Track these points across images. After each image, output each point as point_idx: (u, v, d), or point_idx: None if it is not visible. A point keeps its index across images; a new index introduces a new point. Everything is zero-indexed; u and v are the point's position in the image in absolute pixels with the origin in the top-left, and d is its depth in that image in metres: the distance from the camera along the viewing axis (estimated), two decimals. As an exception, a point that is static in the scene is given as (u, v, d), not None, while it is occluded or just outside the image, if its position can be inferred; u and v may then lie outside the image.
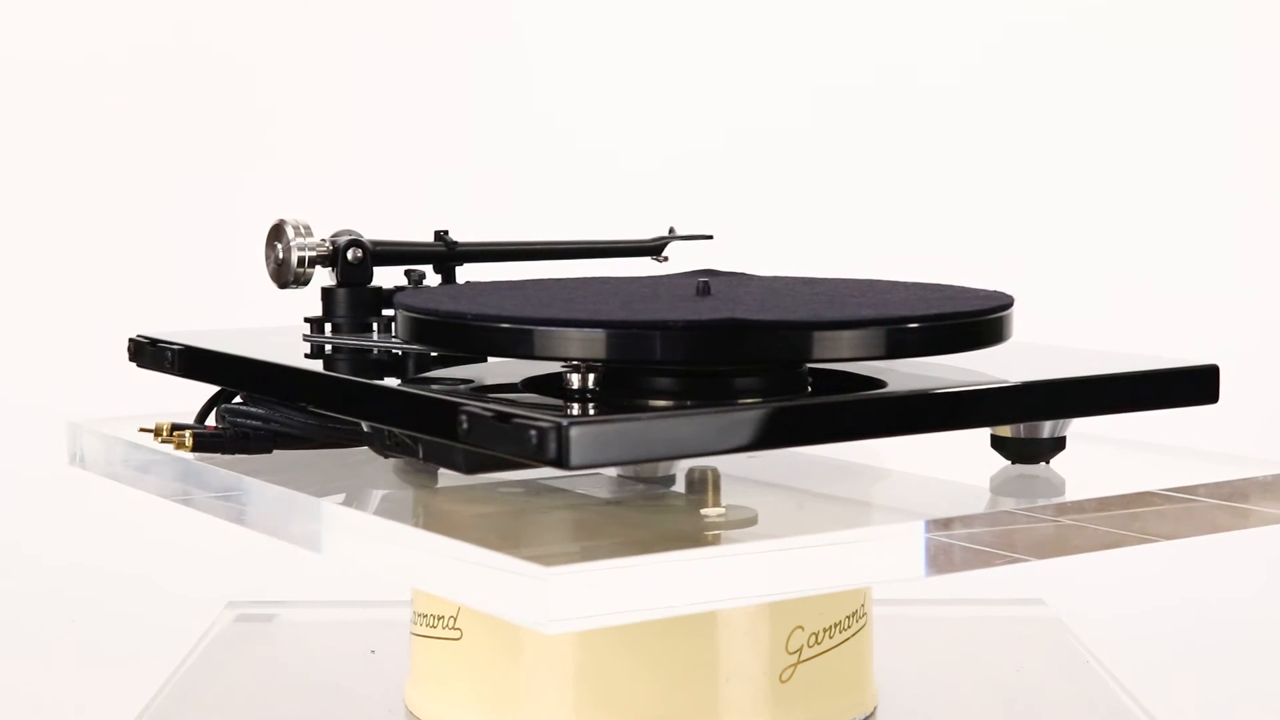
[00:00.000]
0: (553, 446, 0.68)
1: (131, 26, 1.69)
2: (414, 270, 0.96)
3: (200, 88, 1.69)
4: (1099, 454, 0.92)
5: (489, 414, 0.72)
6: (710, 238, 1.05)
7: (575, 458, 0.69)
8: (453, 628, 0.87)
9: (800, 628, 0.85)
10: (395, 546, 0.75)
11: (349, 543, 0.78)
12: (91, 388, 1.55)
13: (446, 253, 0.98)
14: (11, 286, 1.70)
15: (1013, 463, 0.87)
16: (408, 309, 0.83)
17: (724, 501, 0.80)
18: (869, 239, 1.69)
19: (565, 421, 0.68)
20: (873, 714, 0.91)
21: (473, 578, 0.70)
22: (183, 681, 1.02)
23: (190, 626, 1.16)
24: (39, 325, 1.70)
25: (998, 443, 0.87)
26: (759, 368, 0.78)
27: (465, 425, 0.73)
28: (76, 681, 1.65)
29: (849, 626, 0.88)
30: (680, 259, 1.04)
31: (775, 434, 0.73)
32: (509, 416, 0.71)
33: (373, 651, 1.07)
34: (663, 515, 0.80)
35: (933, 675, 1.03)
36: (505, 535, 0.78)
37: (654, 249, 1.04)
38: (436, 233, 0.98)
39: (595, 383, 0.76)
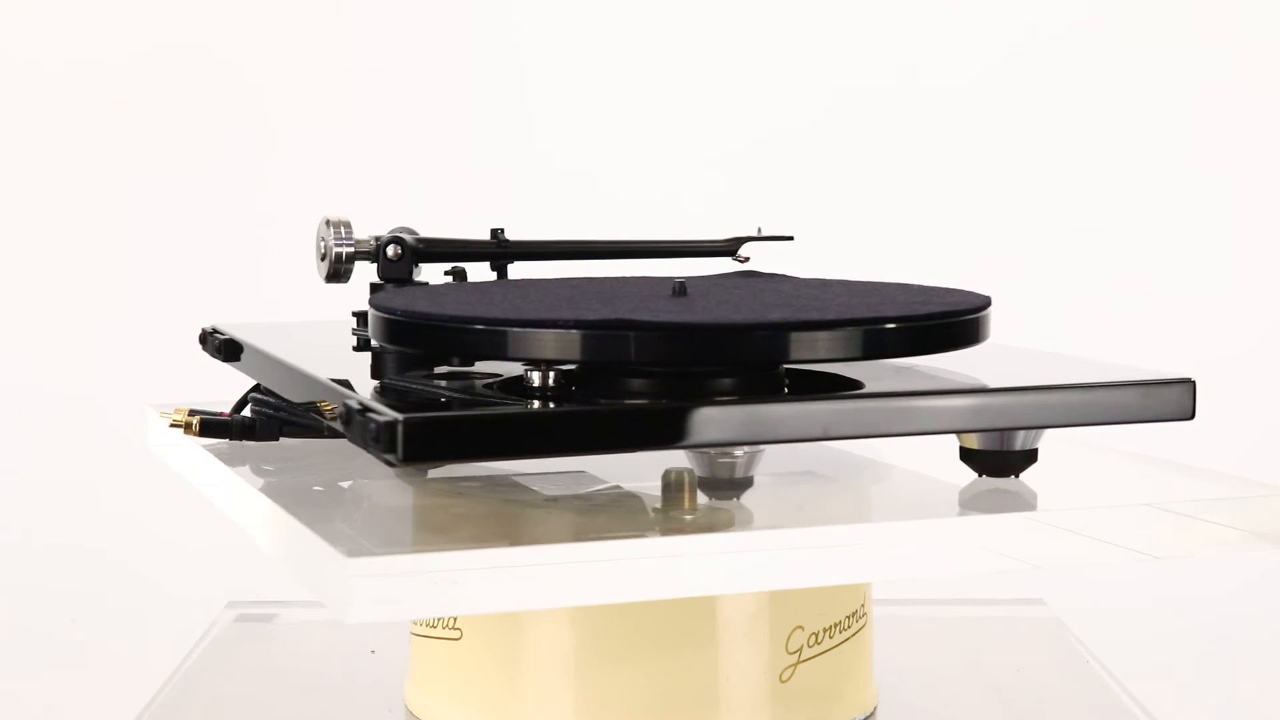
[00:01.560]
0: (385, 440, 0.69)
1: (139, 35, 1.69)
2: (456, 267, 0.97)
3: (228, 93, 1.70)
4: (1075, 466, 0.89)
5: (357, 407, 0.72)
6: (791, 239, 1.03)
7: (405, 453, 0.69)
8: (453, 628, 0.87)
9: (800, 628, 0.85)
10: (272, 531, 0.77)
11: (257, 525, 0.80)
12: (163, 379, 1.55)
13: (498, 250, 0.98)
14: (40, 281, 1.70)
15: (980, 476, 0.84)
16: (374, 306, 0.84)
17: (723, 505, 0.80)
18: (936, 241, 1.69)
19: (400, 417, 0.69)
20: (873, 714, 0.91)
21: (310, 564, 0.71)
22: (183, 681, 1.02)
23: (190, 626, 1.16)
24: (42, 316, 1.70)
25: (966, 455, 0.84)
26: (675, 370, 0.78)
27: (343, 417, 0.73)
28: (76, 681, 1.65)
29: (849, 626, 0.88)
30: (757, 260, 1.03)
31: (615, 437, 0.72)
32: (366, 410, 0.71)
33: (373, 651, 1.07)
34: (576, 515, 0.80)
35: (933, 675, 1.03)
36: (372, 527, 0.78)
37: (728, 250, 1.02)
38: (492, 230, 0.99)
39: (558, 381, 0.75)
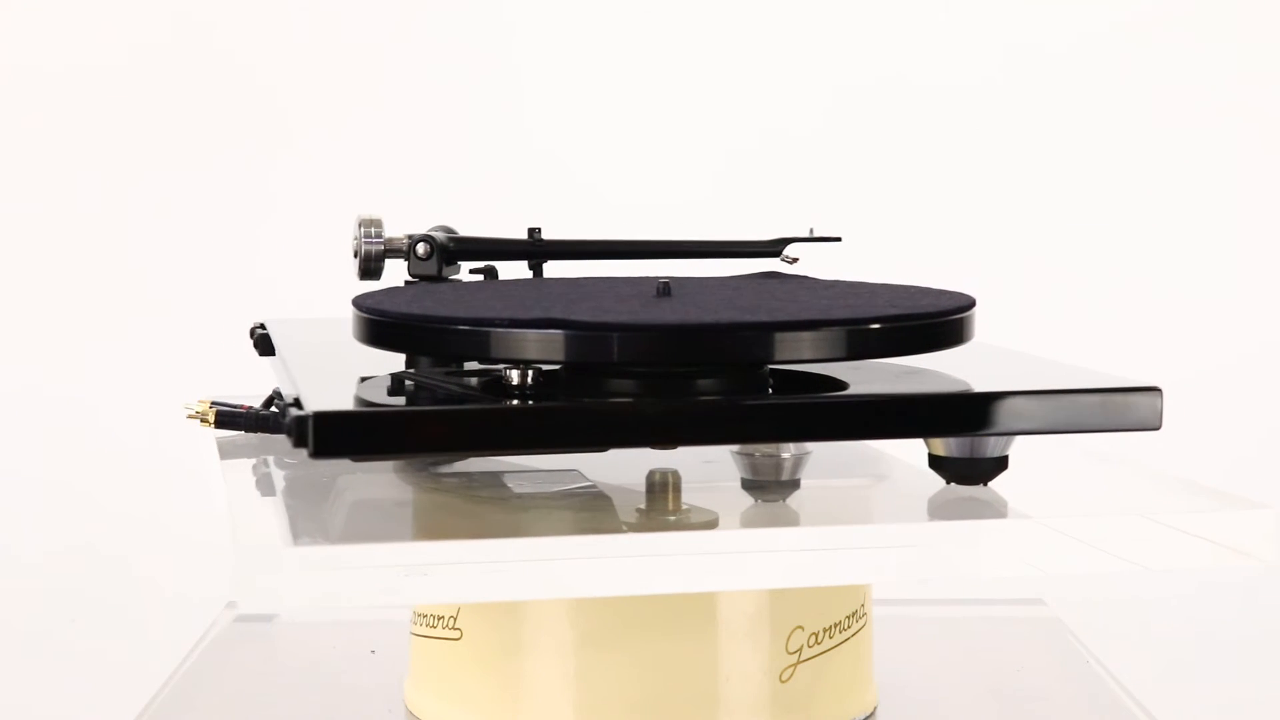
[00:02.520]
0: (297, 434, 0.70)
1: (145, 35, 1.69)
2: (488, 266, 1.00)
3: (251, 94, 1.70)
4: (1040, 475, 0.88)
5: (291, 402, 0.74)
6: (839, 239, 1.02)
7: (316, 447, 0.70)
8: (453, 628, 0.87)
9: (800, 628, 0.85)
10: (230, 514, 0.79)
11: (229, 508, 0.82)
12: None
13: (532, 249, 1.00)
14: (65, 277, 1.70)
15: (948, 483, 0.82)
16: (354, 305, 0.85)
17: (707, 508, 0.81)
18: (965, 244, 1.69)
19: (311, 412, 0.70)
20: (873, 714, 0.91)
21: (241, 555, 0.72)
22: (183, 682, 1.02)
23: (190, 626, 1.16)
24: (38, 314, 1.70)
25: (934, 462, 0.82)
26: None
27: (279, 412, 0.75)
28: (76, 681, 1.65)
29: (849, 626, 0.88)
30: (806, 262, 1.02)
31: (522, 435, 0.73)
32: (298, 404, 0.73)
33: (373, 651, 1.07)
34: (514, 512, 0.81)
35: (933, 675, 1.03)
36: (299, 519, 0.79)
37: (773, 251, 1.01)
38: (530, 230, 1.01)
39: (536, 379, 0.76)
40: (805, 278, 0.97)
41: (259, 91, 1.70)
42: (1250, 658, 1.68)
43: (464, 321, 0.77)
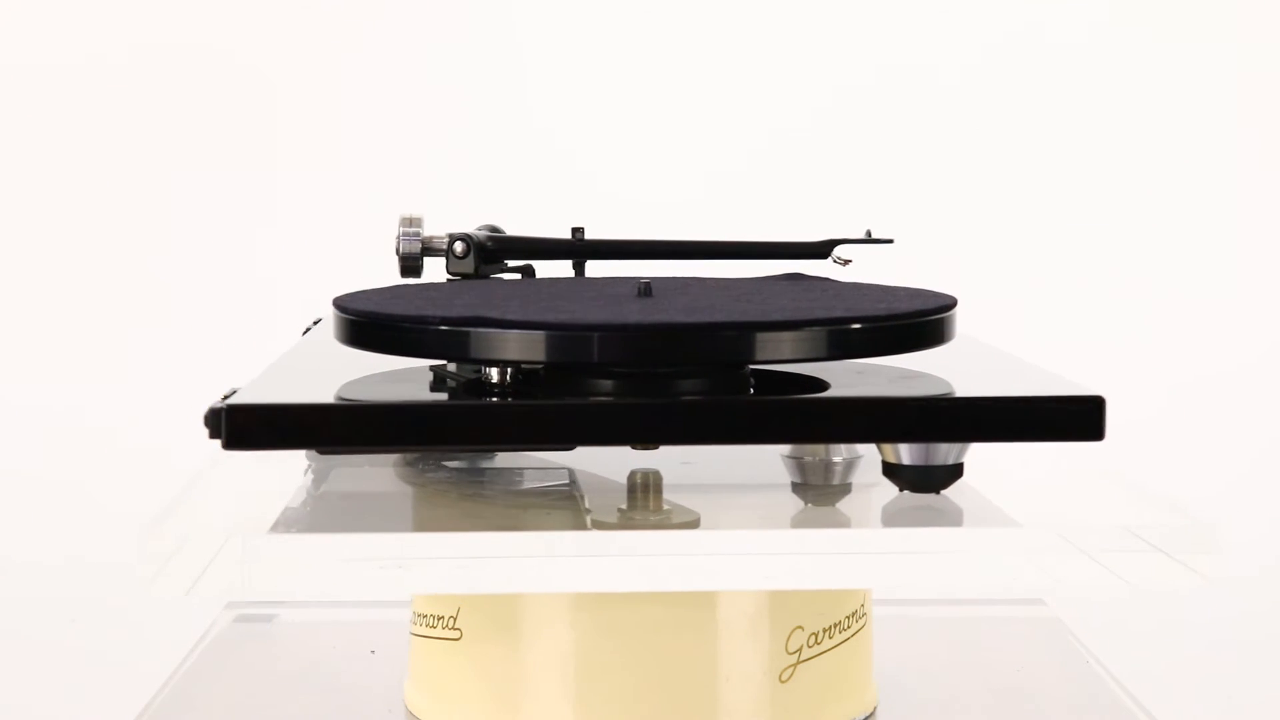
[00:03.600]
0: (213, 426, 0.72)
1: (151, 35, 1.69)
2: (526, 265, 1.02)
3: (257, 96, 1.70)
4: (997, 481, 0.86)
5: (228, 395, 0.75)
6: (891, 241, 1.00)
7: (228, 439, 0.72)
8: (452, 628, 0.87)
9: (800, 628, 0.85)
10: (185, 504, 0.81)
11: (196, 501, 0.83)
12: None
13: (573, 248, 1.02)
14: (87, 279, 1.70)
15: (901, 491, 0.81)
16: (334, 305, 0.86)
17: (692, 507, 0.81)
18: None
19: (225, 404, 0.72)
20: (873, 714, 0.91)
21: (184, 547, 0.74)
22: (182, 682, 1.02)
23: (190, 627, 1.16)
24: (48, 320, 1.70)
25: (889, 470, 0.79)
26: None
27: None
28: (76, 681, 1.65)
29: (849, 626, 0.88)
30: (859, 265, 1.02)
31: (419, 432, 0.75)
32: (228, 397, 0.74)
33: (373, 651, 1.07)
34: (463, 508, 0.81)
35: (933, 675, 1.03)
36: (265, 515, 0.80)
37: (820, 252, 1.00)
38: (573, 229, 1.02)
39: (514, 378, 0.77)
40: (819, 280, 0.97)
41: (266, 92, 1.70)
42: (1250, 657, 1.68)
43: (408, 320, 0.79)
